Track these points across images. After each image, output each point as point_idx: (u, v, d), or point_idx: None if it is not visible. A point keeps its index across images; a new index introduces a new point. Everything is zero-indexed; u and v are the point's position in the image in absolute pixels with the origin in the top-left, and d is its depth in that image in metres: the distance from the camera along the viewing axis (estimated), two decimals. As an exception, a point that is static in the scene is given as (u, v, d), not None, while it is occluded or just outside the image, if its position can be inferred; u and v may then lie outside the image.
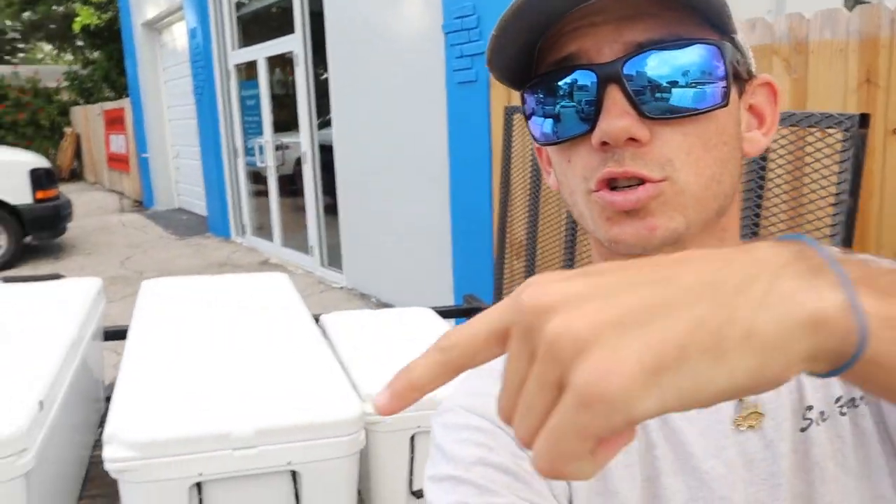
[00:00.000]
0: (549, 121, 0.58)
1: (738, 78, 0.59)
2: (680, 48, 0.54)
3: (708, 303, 0.29)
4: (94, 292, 2.61)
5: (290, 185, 7.19)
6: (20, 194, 7.17)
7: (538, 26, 0.57)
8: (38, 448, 1.62)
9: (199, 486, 1.59)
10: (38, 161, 7.63)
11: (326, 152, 6.03)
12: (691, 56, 0.54)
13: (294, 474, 1.64)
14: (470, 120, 3.86)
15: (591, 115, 0.55)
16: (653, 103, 0.54)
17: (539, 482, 0.55)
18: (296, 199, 6.98)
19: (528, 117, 0.61)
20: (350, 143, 5.51)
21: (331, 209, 6.15)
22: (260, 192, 7.80)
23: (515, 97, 3.60)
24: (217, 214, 8.58)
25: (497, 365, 0.63)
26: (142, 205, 11.51)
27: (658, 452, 0.58)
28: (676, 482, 0.57)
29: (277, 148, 7.13)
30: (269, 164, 7.26)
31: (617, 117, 0.53)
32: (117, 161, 12.65)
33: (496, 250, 3.20)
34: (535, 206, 2.92)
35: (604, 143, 0.54)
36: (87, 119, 14.42)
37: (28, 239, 7.41)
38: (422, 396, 0.33)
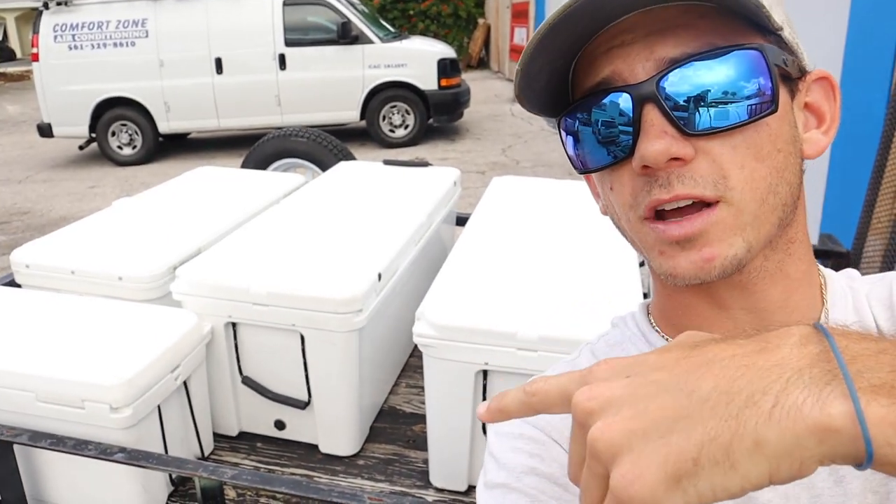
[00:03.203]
0: (589, 148, 0.55)
1: (788, 78, 0.54)
2: (716, 57, 0.50)
3: (719, 418, 0.32)
4: (451, 181, 2.94)
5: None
6: (428, 81, 8.13)
7: (566, 53, 0.54)
8: (372, 311, 1.95)
9: (484, 373, 1.77)
10: (446, 51, 8.51)
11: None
12: (730, 64, 0.50)
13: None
14: (874, 39, 3.28)
15: (630, 138, 0.52)
16: (693, 119, 0.50)
17: None
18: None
19: (566, 146, 0.58)
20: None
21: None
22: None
23: (937, 6, 2.95)
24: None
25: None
26: (533, 96, 12.13)
27: None
28: None
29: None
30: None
31: (655, 138, 0.50)
32: (517, 52, 13.41)
33: (868, 194, 2.77)
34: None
35: (645, 167, 0.51)
36: (497, 11, 15.43)
37: (431, 121, 8.41)
38: (508, 419, 0.40)
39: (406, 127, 8.35)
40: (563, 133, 0.58)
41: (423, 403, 2.16)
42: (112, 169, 8.12)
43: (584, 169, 0.57)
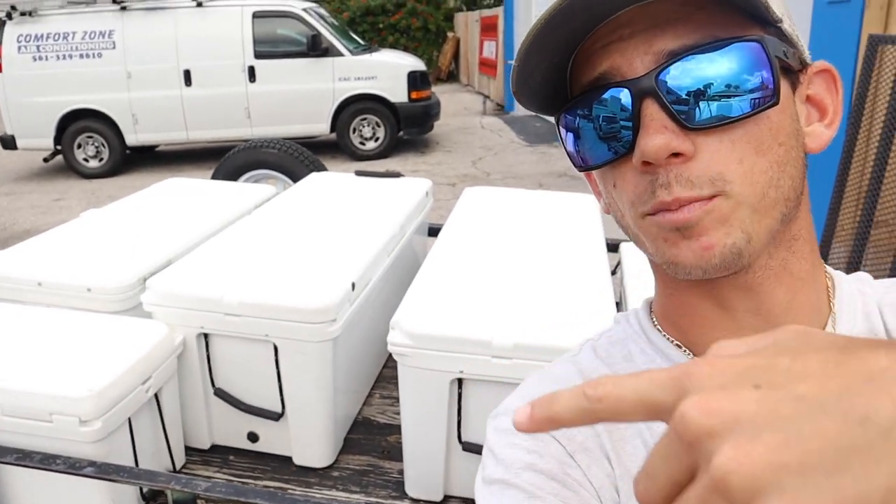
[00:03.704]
0: (588, 145, 0.55)
1: (789, 70, 0.53)
2: (716, 50, 0.49)
3: None
4: (422, 192, 2.94)
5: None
6: (398, 93, 8.15)
7: (563, 49, 0.54)
8: (345, 321, 1.95)
9: (460, 381, 1.78)
10: (416, 64, 8.54)
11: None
12: (730, 57, 0.49)
13: (545, 391, 1.74)
14: (835, 47, 3.37)
15: (629, 134, 0.51)
16: (693, 113, 0.49)
17: (587, 491, 0.55)
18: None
19: (565, 144, 0.58)
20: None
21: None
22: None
23: (895, 22, 3.04)
24: (566, 125, 8.79)
25: (561, 373, 0.62)
26: (503, 109, 12.24)
27: None
28: None
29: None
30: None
31: (655, 133, 0.49)
32: (487, 66, 13.52)
33: (832, 200, 2.84)
34: (884, 158, 2.50)
35: (646, 163, 0.50)
36: (466, 25, 15.56)
37: (401, 133, 8.42)
38: (557, 429, 0.32)
39: (376, 139, 8.35)
40: (562, 130, 0.57)
41: (398, 414, 2.16)
42: (78, 182, 7.99)
43: (584, 166, 0.56)
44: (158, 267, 2.16)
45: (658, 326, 0.63)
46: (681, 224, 0.50)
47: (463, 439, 1.83)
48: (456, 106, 12.46)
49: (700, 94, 0.49)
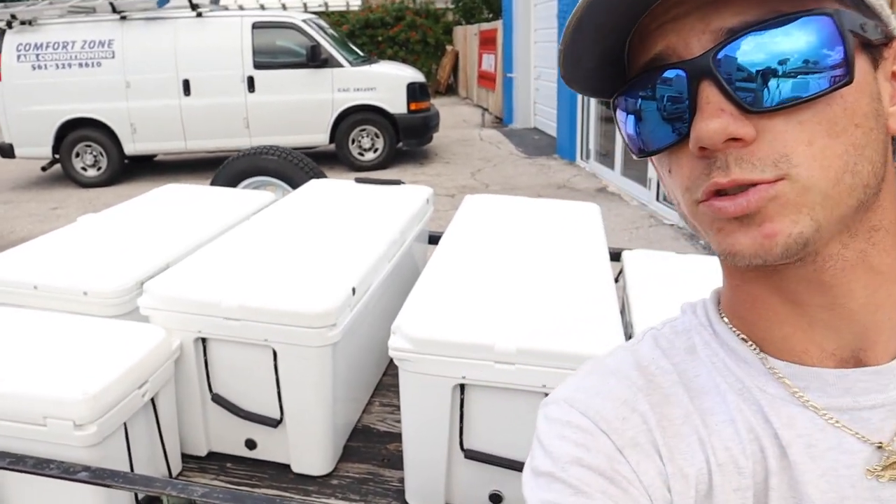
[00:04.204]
0: (643, 129, 0.52)
1: (869, 45, 0.48)
2: (780, 26, 0.45)
3: None
4: (423, 200, 2.92)
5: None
6: (397, 104, 8.16)
7: (616, 30, 0.51)
8: (346, 326, 1.92)
9: (462, 387, 1.75)
10: (415, 76, 8.56)
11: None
12: (796, 32, 0.45)
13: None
14: None
15: (685, 118, 0.48)
16: (754, 94, 0.45)
17: (636, 488, 0.53)
18: (642, 129, 6.85)
19: (620, 129, 0.55)
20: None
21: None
22: (609, 119, 7.80)
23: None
24: (565, 137, 8.81)
25: (616, 364, 0.60)
26: (501, 121, 12.26)
27: (773, 482, 0.52)
28: None
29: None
30: (619, 91, 7.19)
31: (711, 117, 0.46)
32: (486, 79, 13.56)
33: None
34: None
35: (702, 149, 0.47)
36: (465, 38, 15.61)
37: (400, 144, 8.42)
38: None
39: (375, 150, 8.35)
40: (618, 114, 0.55)
41: (398, 422, 2.13)
42: (76, 190, 7.97)
43: (640, 152, 0.54)
44: (156, 271, 2.13)
45: (725, 318, 0.59)
46: (739, 214, 0.47)
47: (465, 447, 1.80)
48: (455, 118, 12.48)
49: (762, 74, 0.45)
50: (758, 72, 0.45)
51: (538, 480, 0.55)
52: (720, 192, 0.48)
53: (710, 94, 0.46)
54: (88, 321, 1.90)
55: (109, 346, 1.78)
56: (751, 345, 0.56)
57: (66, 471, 1.52)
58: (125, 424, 1.70)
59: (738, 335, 0.57)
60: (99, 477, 1.51)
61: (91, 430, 1.58)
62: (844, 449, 0.51)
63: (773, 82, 0.45)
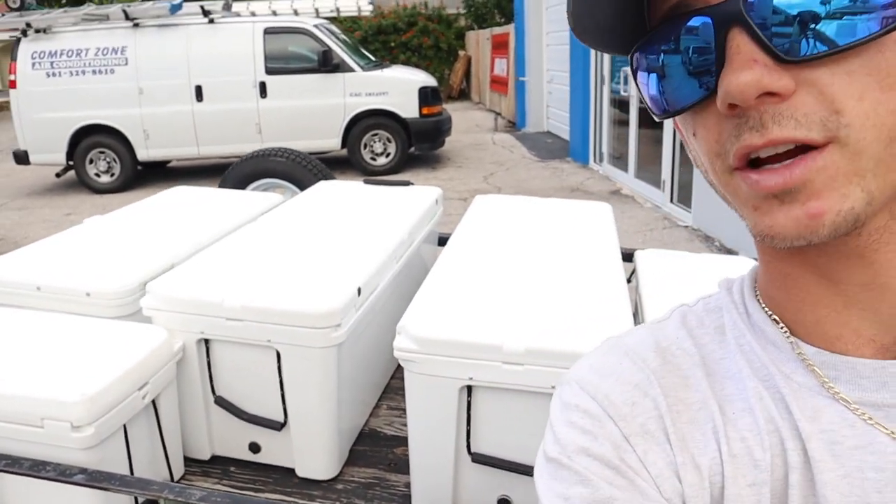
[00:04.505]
0: (665, 87, 0.46)
1: None
2: None
3: None
4: (431, 200, 2.88)
5: (653, 117, 7.00)
6: (409, 109, 8.13)
7: None
8: (351, 327, 1.88)
9: (469, 389, 1.70)
10: (427, 80, 8.53)
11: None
12: None
13: (558, 399, 1.66)
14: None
15: (713, 71, 0.42)
16: (792, 41, 0.39)
17: (642, 479, 0.49)
18: (656, 132, 6.78)
19: (640, 88, 0.49)
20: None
21: (687, 145, 5.87)
22: (622, 122, 7.73)
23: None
24: (578, 140, 8.75)
25: (634, 343, 0.55)
26: (514, 125, 12.20)
27: (794, 479, 0.46)
28: None
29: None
30: (633, 94, 7.13)
31: (742, 69, 0.39)
32: (498, 83, 13.52)
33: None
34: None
35: (732, 106, 0.41)
36: (478, 43, 15.59)
37: (412, 149, 8.39)
38: None
39: (387, 155, 8.32)
40: (636, 72, 0.49)
41: (405, 426, 2.08)
42: (89, 196, 8.00)
43: (662, 112, 0.48)
44: (160, 272, 2.10)
45: (759, 298, 0.54)
46: (779, 190, 0.41)
47: (472, 450, 1.75)
48: (468, 123, 12.44)
49: (801, 18, 0.39)
50: (796, 14, 0.39)
51: (548, 466, 0.53)
52: (755, 163, 0.42)
53: (740, 43, 0.40)
54: (89, 322, 1.87)
55: (109, 346, 1.75)
56: (782, 328, 0.51)
57: (62, 473, 1.48)
58: (125, 426, 1.67)
59: (770, 316, 0.52)
60: (95, 479, 1.47)
61: (88, 431, 1.54)
62: (875, 449, 0.45)
63: (814, 26, 0.39)
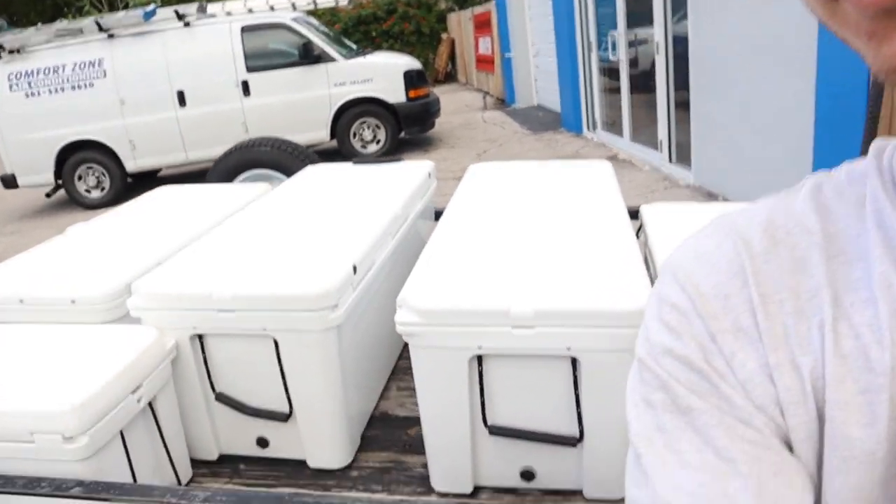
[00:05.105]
0: None
1: None
2: None
3: None
4: (424, 174, 2.78)
5: (644, 80, 6.86)
6: (396, 93, 8.01)
7: None
8: (349, 307, 1.78)
9: (479, 359, 1.61)
10: (411, 63, 8.40)
11: (680, 45, 5.60)
12: None
13: (574, 361, 1.57)
14: None
15: None
16: None
17: (728, 384, 0.41)
18: (649, 95, 6.66)
19: None
20: (707, 34, 5.00)
21: (682, 106, 5.75)
22: (613, 89, 7.61)
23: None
24: (570, 110, 8.62)
25: (742, 224, 0.46)
26: (504, 102, 12.07)
27: None
28: None
29: (631, 44, 6.83)
30: (622, 59, 7.00)
31: None
32: (484, 62, 13.36)
33: (862, 153, 2.64)
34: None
35: None
36: (459, 24, 15.41)
37: (402, 133, 8.27)
38: None
39: (378, 142, 8.20)
40: None
41: (417, 405, 1.99)
42: (82, 213, 7.90)
43: None
44: (146, 272, 2.00)
45: None
46: (891, 3, 0.31)
47: (489, 423, 1.66)
48: (456, 104, 12.30)
49: None
50: None
51: (637, 366, 0.47)
52: None
53: None
54: (73, 329, 1.78)
55: (97, 352, 1.66)
56: None
57: (58, 488, 1.40)
58: (121, 433, 1.58)
59: None
60: (94, 491, 1.39)
61: (82, 441, 1.45)
62: None
63: None
